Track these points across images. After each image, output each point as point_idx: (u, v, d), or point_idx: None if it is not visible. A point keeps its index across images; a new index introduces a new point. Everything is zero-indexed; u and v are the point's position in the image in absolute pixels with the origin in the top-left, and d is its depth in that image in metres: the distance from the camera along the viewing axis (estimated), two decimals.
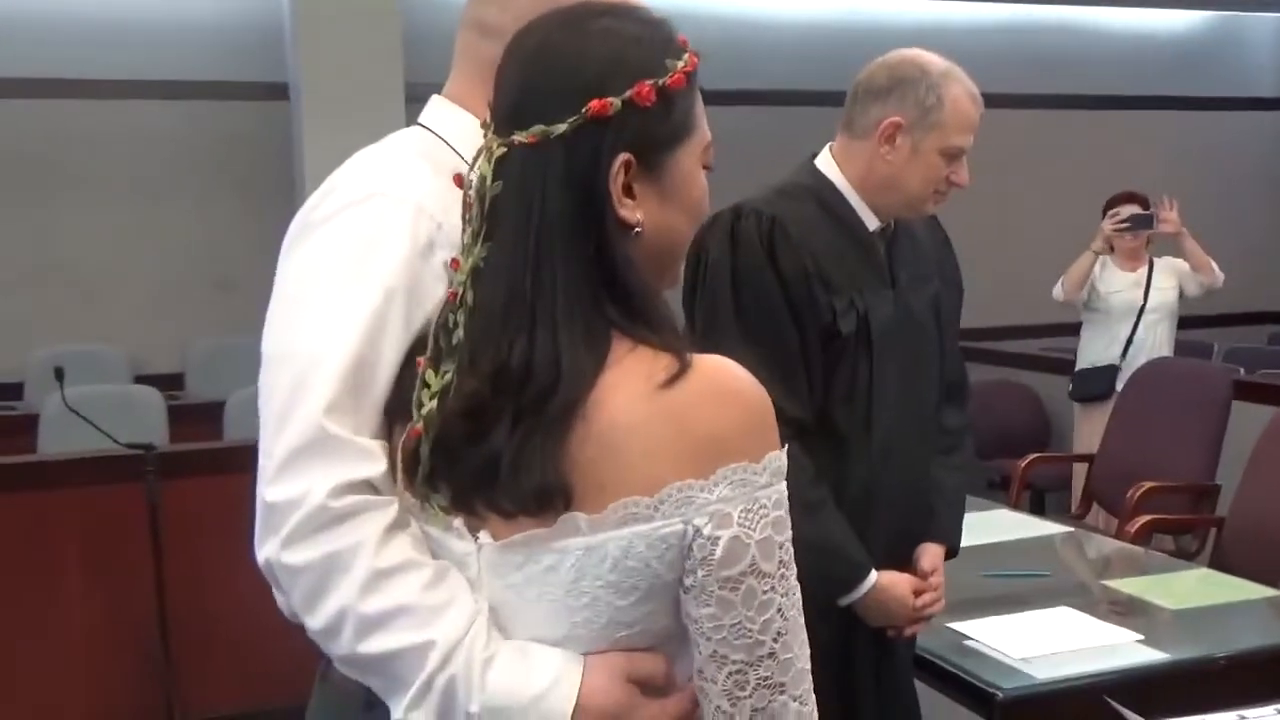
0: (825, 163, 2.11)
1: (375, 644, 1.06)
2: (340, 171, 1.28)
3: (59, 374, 3.74)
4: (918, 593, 2.05)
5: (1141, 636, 2.32)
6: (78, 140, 5.97)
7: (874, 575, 2.01)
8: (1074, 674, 2.16)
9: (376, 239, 1.18)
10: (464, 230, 1.08)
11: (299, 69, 5.66)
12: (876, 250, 2.08)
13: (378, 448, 1.12)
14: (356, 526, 1.08)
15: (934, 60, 2.06)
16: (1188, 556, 3.77)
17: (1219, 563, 3.25)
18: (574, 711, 1.02)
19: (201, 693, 3.70)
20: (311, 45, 5.57)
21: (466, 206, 1.07)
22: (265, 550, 1.10)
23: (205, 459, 3.95)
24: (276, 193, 5.56)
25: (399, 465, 1.08)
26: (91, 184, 5.99)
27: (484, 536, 1.04)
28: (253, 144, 6.11)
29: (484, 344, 1.03)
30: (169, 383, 5.75)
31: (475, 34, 1.33)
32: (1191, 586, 2.72)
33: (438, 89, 1.38)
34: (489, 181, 1.05)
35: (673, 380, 0.99)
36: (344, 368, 1.12)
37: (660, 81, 1.05)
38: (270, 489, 1.10)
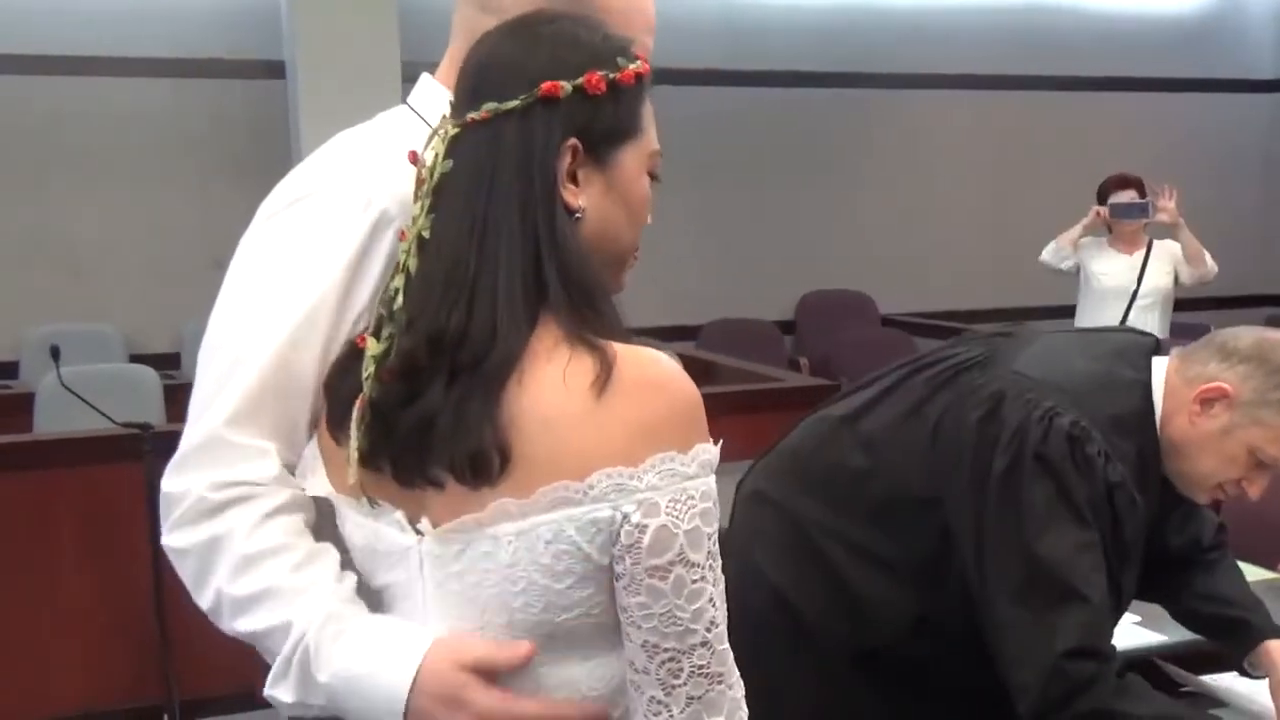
0: (1159, 387, 1.83)
1: (245, 624, 1.14)
2: (306, 162, 1.31)
3: (55, 353, 3.73)
4: None
5: (1139, 619, 2.32)
6: (73, 118, 5.94)
7: None
8: None
9: (314, 240, 1.21)
10: (415, 204, 1.10)
11: (295, 47, 5.64)
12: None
13: (273, 449, 1.17)
14: (233, 515, 1.15)
15: None
16: None
17: None
18: (411, 687, 1.05)
19: (197, 672, 3.69)
20: (308, 23, 5.55)
21: (419, 183, 1.10)
22: (163, 536, 1.21)
23: None
24: (272, 171, 5.39)
25: (352, 449, 1.08)
26: (86, 162, 5.96)
27: (424, 525, 1.06)
28: (249, 122, 6.08)
29: (423, 310, 1.05)
30: (165, 362, 5.73)
31: (474, 8, 1.32)
32: None
33: (434, 68, 1.37)
34: (440, 159, 1.08)
35: (599, 381, 1.00)
36: (258, 377, 1.17)
37: (610, 74, 1.09)
38: (165, 480, 1.20)
